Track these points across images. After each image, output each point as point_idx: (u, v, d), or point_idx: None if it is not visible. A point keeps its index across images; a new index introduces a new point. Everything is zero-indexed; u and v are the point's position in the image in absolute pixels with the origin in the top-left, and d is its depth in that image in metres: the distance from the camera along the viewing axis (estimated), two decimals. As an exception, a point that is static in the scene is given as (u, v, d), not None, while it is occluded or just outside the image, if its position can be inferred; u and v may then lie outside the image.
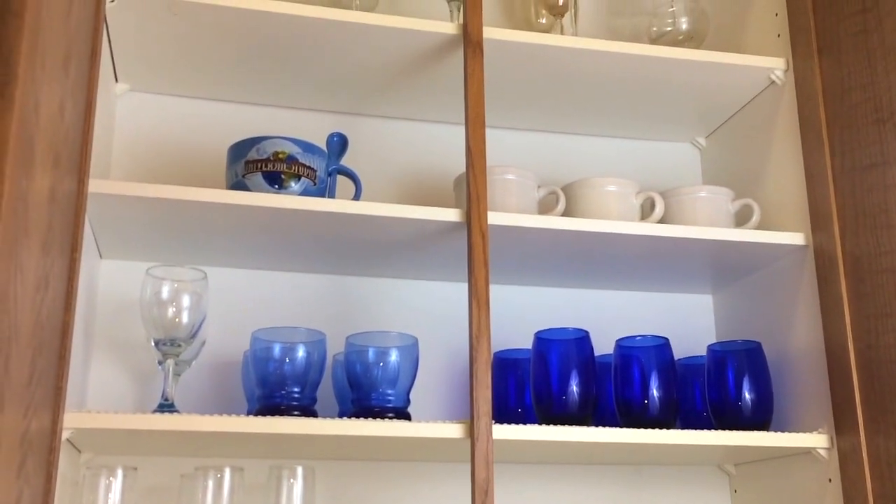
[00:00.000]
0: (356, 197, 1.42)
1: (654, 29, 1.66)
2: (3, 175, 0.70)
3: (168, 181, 1.46)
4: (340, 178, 1.45)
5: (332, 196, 1.41)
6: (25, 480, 0.91)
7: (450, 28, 1.41)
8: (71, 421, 1.13)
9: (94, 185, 1.21)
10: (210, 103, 1.59)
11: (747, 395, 1.40)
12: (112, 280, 1.45)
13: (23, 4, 0.74)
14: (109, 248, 1.43)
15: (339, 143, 1.45)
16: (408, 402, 1.33)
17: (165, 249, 1.43)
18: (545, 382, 1.36)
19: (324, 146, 1.42)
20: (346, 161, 1.46)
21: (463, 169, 1.36)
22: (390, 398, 1.31)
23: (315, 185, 1.36)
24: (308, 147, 1.36)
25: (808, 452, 1.37)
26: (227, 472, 1.25)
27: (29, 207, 0.81)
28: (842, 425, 1.34)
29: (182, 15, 1.35)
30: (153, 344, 1.29)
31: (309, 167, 1.35)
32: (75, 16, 1.04)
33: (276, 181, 1.33)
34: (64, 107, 0.99)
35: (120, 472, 1.22)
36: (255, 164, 1.33)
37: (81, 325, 1.23)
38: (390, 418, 1.28)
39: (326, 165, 1.40)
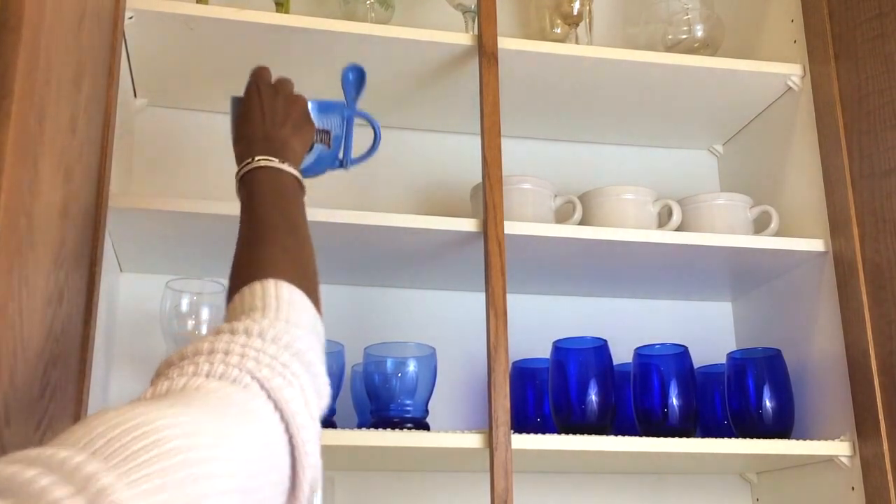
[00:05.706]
0: (373, 148, 1.27)
1: (670, 37, 1.66)
2: (0, 189, 0.69)
3: (187, 194, 1.47)
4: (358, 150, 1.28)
5: (347, 152, 1.24)
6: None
7: (465, 39, 1.42)
8: (91, 433, 1.13)
9: (114, 199, 1.22)
10: (228, 117, 1.60)
11: (768, 403, 1.39)
12: (132, 293, 1.45)
13: (19, 21, 0.74)
14: (129, 261, 1.44)
15: (356, 79, 1.25)
16: (426, 412, 1.33)
17: (185, 262, 1.44)
18: (564, 392, 1.36)
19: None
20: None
21: (479, 179, 1.36)
22: (409, 408, 1.31)
23: (329, 147, 1.21)
24: (324, 107, 1.21)
25: (830, 460, 1.36)
26: (247, 484, 1.25)
27: (34, 222, 0.81)
28: (864, 432, 1.32)
29: (199, 30, 1.36)
30: (173, 356, 1.29)
31: (324, 131, 1.21)
32: (88, 31, 1.04)
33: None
34: (76, 122, 0.99)
35: (140, 485, 1.22)
36: None
37: (102, 338, 1.24)
38: (409, 429, 1.28)
39: (342, 115, 1.23)
